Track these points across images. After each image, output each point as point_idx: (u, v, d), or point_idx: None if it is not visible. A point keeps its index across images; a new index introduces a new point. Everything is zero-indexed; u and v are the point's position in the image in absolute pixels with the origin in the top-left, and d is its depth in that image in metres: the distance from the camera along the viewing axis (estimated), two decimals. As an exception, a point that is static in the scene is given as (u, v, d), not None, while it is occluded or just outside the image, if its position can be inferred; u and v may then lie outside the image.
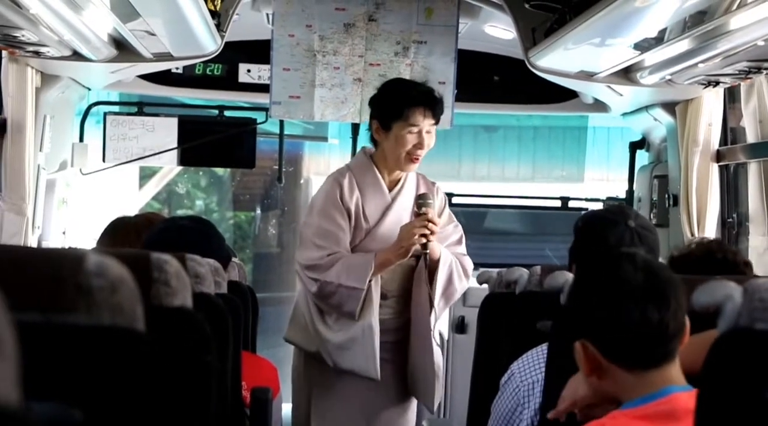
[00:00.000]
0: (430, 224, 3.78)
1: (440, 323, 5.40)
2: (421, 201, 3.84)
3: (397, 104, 3.85)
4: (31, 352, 0.96)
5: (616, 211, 2.91)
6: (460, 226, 4.09)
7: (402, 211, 3.96)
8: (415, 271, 3.94)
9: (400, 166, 3.91)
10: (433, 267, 3.89)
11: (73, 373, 1.16)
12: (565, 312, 2.10)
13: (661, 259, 5.00)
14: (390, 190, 3.97)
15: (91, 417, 1.04)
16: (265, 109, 5.30)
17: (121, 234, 3.30)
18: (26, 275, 1.26)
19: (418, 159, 3.87)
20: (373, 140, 3.97)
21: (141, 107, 5.42)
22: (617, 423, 1.97)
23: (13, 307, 0.88)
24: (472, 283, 4.02)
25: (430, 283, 3.90)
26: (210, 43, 4.44)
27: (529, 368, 2.69)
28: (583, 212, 3.14)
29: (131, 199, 9.02)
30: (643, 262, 1.98)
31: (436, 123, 3.89)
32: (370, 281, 3.80)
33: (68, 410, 0.90)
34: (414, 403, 4.12)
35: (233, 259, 3.70)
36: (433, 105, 3.86)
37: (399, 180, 3.98)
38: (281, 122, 5.66)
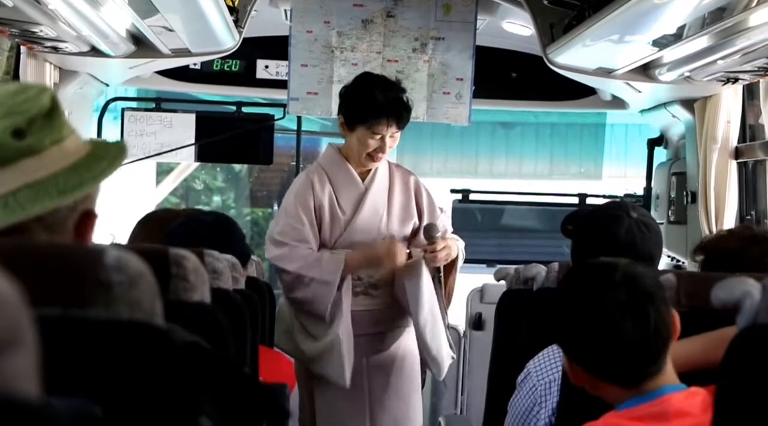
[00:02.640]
0: (439, 254, 3.83)
1: (456, 320, 5.42)
2: (427, 235, 3.85)
3: (361, 111, 3.82)
4: (52, 347, 0.96)
5: (614, 206, 2.84)
6: (445, 214, 4.11)
7: (378, 198, 3.95)
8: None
9: (361, 163, 3.92)
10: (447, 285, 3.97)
11: (93, 368, 1.16)
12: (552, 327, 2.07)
13: (672, 253, 4.99)
14: (363, 179, 3.96)
15: (111, 413, 1.04)
16: (283, 106, 5.31)
17: (155, 227, 3.31)
18: (46, 270, 1.27)
19: (379, 159, 3.88)
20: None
21: (159, 103, 5.43)
22: (610, 423, 1.96)
23: (33, 302, 0.89)
24: (490, 279, 4.02)
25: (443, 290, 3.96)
26: (228, 39, 4.45)
27: (546, 366, 2.68)
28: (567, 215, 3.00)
29: (148, 194, 9.04)
30: (623, 276, 1.95)
31: (402, 128, 3.87)
32: (341, 281, 3.80)
33: (89, 405, 0.91)
34: (419, 399, 4.11)
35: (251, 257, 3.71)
36: (398, 116, 3.82)
37: (370, 168, 3.97)
38: (299, 118, 5.67)
